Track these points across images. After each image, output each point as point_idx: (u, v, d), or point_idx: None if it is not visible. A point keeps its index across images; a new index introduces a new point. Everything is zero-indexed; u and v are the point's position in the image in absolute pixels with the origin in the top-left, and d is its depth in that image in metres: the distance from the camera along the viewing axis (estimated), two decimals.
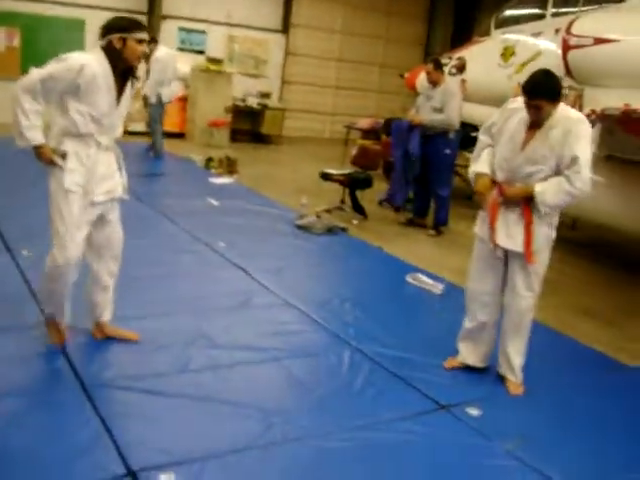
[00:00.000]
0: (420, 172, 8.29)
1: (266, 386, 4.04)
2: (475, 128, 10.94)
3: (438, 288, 6.05)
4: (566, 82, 8.35)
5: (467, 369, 4.49)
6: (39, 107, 3.72)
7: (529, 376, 4.40)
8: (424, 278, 6.23)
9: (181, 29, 15.09)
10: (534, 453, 3.59)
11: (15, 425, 3.30)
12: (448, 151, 8.18)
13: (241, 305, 5.23)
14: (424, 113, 8.16)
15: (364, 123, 14.16)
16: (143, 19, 14.27)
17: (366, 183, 8.75)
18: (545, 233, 4.13)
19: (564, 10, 8.95)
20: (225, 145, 13.67)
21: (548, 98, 3.86)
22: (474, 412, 3.93)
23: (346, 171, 8.99)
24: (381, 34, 17.54)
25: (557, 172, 3.95)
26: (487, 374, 4.48)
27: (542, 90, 3.86)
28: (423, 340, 4.94)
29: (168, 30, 14.79)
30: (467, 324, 4.47)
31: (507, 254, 4.21)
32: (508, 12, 10.39)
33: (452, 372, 4.44)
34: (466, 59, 10.61)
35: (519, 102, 4.07)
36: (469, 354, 4.49)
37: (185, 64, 14.18)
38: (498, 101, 9.46)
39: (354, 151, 10.56)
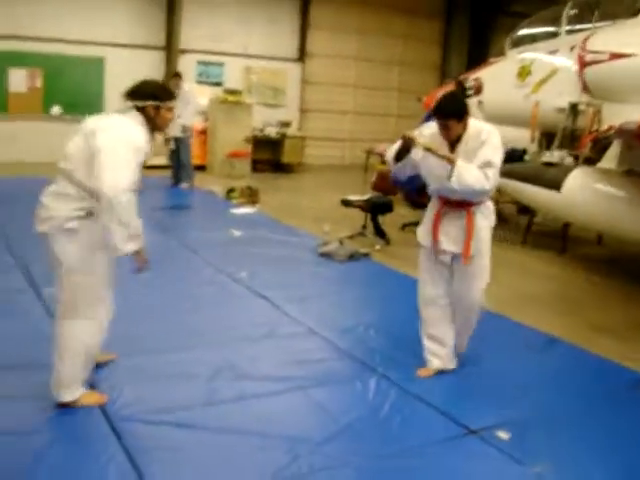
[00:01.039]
0: None
1: (292, 416, 4.02)
2: None
3: None
4: (584, 98, 8.37)
5: (489, 392, 4.44)
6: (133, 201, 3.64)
7: (554, 396, 4.35)
8: None
9: (199, 62, 15.28)
10: (565, 476, 3.53)
11: (42, 461, 3.32)
12: None
13: (266, 335, 5.23)
14: None
15: (383, 148, 14.17)
16: (162, 54, 14.53)
17: (386, 208, 8.75)
18: (486, 226, 4.56)
19: (578, 27, 8.96)
20: (246, 175, 13.75)
21: (456, 118, 4.32)
22: (504, 436, 3.87)
23: (366, 197, 9.00)
24: (397, 59, 17.64)
25: None
26: (514, 397, 4.42)
27: (451, 111, 4.33)
28: None
29: (186, 64, 14.97)
30: (430, 330, 4.73)
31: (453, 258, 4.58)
32: (523, 31, 10.41)
33: (480, 396, 4.39)
34: (482, 80, 10.63)
35: (432, 128, 4.52)
36: (440, 359, 4.71)
37: (204, 96, 14.35)
38: (516, 121, 9.54)
39: (374, 176, 10.57)
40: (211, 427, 3.78)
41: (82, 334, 3.83)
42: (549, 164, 8.27)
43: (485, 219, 4.55)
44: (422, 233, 4.71)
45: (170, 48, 14.76)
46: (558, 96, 8.83)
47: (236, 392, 4.20)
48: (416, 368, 4.70)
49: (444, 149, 4.39)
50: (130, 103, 3.87)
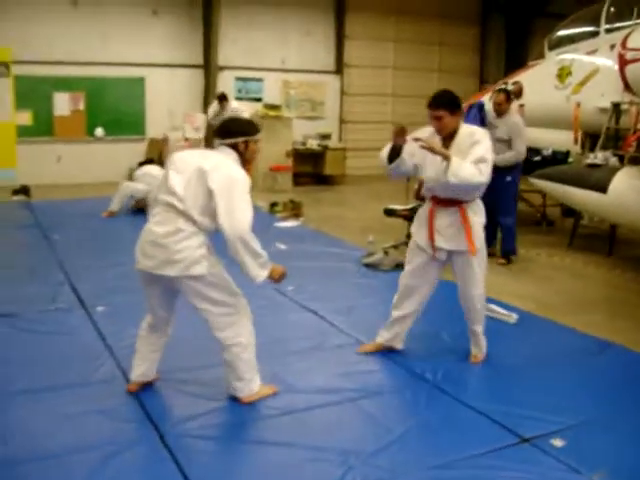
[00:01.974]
0: (483, 201, 8.21)
1: (343, 428, 4.01)
2: (536, 152, 10.86)
3: (512, 317, 5.96)
4: (626, 97, 8.26)
5: (542, 399, 4.39)
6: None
7: (609, 401, 4.28)
8: (497, 308, 6.12)
9: (237, 78, 15.41)
10: None
11: (98, 476, 3.37)
12: (509, 178, 8.02)
13: (314, 347, 5.24)
14: None
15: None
16: (200, 72, 14.69)
17: None
18: (478, 222, 4.76)
19: (618, 25, 8.86)
20: (288, 189, 13.80)
21: (447, 108, 4.52)
22: (558, 443, 3.81)
23: (409, 206, 8.96)
24: (434, 66, 17.57)
25: None
26: (568, 403, 4.36)
27: (442, 102, 4.55)
28: (501, 371, 4.87)
29: (225, 80, 15.12)
30: (396, 313, 5.01)
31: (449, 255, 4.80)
32: (561, 32, 10.32)
33: (532, 403, 4.32)
34: (522, 84, 10.55)
35: (426, 132, 4.70)
36: (393, 338, 5.06)
37: (244, 113, 14.47)
38: (558, 123, 9.44)
39: (416, 185, 10.53)
40: (263, 441, 3.81)
41: (244, 331, 4.16)
42: (594, 165, 8.17)
43: (476, 215, 4.75)
44: (415, 231, 4.96)
45: (208, 65, 14.91)
46: (600, 96, 8.74)
47: (287, 405, 4.22)
48: (465, 376, 4.68)
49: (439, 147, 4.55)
50: (221, 141, 4.10)
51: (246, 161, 4.14)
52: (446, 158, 4.41)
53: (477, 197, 4.76)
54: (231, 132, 4.11)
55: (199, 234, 3.97)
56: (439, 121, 4.55)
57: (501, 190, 8.02)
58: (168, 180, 4.01)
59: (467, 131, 4.62)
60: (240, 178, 3.96)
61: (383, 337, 5.10)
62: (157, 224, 4.01)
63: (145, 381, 4.34)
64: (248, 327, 4.21)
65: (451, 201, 4.66)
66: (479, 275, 4.83)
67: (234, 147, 4.07)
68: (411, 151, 4.70)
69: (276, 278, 4.13)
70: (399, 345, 5.11)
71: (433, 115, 4.56)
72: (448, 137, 4.61)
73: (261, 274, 3.99)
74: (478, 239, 4.74)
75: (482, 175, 4.42)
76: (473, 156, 4.43)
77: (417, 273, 4.91)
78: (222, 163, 4.00)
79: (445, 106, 4.53)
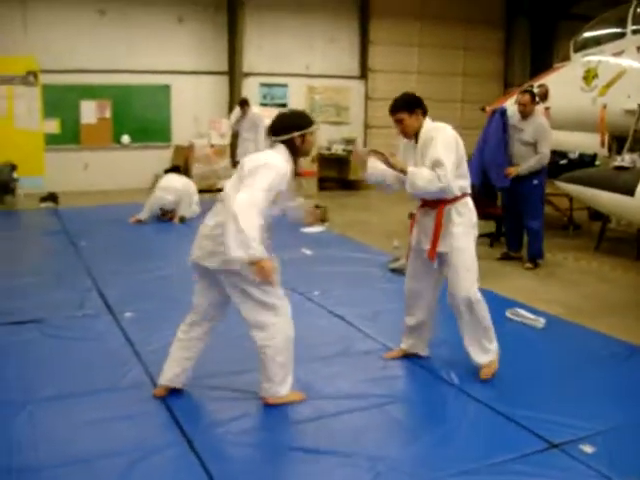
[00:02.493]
0: (510, 204, 8.19)
1: (371, 433, 3.99)
2: (563, 155, 10.78)
3: (540, 322, 5.92)
4: None
5: (571, 404, 4.35)
6: (262, 222, 3.85)
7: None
8: (524, 313, 6.09)
9: (262, 84, 15.47)
10: None
11: None
12: (536, 182, 7.97)
13: (341, 353, 5.24)
14: (512, 147, 8.03)
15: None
16: (225, 78, 14.76)
17: None
18: (460, 222, 4.61)
19: None
20: (314, 194, 13.81)
21: (404, 110, 4.57)
22: (588, 449, 3.77)
23: None
24: (459, 70, 17.52)
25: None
26: (597, 408, 4.32)
27: (399, 105, 4.60)
28: (528, 376, 4.83)
29: (250, 87, 15.19)
30: (408, 320, 4.99)
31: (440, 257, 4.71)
32: (587, 34, 10.23)
33: (561, 408, 4.29)
34: (548, 86, 10.48)
35: (405, 140, 4.75)
36: (415, 345, 5.04)
37: (269, 118, 14.50)
38: (584, 126, 9.37)
39: None
40: (291, 447, 3.81)
41: (280, 335, 4.14)
42: (621, 168, 8.08)
43: (460, 216, 4.63)
44: (412, 233, 4.91)
45: (233, 72, 14.98)
46: (626, 98, 8.65)
47: (314, 411, 4.22)
48: (493, 382, 4.65)
49: (412, 152, 4.64)
50: (276, 138, 4.13)
51: (303, 153, 4.22)
52: (402, 171, 4.50)
53: (464, 196, 4.67)
54: (285, 128, 4.13)
55: None
56: (401, 124, 4.61)
57: (528, 194, 7.99)
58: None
59: (428, 127, 4.63)
60: (270, 163, 3.95)
61: (406, 344, 5.08)
62: (210, 217, 4.13)
63: (173, 387, 4.35)
64: (286, 332, 4.18)
65: (435, 202, 4.61)
66: (463, 278, 4.63)
67: (289, 142, 4.10)
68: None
69: (260, 272, 3.86)
70: (423, 352, 5.08)
71: (394, 120, 4.63)
72: (416, 139, 4.66)
73: (237, 252, 3.72)
74: (458, 239, 4.61)
75: (441, 181, 4.38)
76: (429, 160, 4.45)
77: (417, 276, 4.87)
78: (262, 155, 4.08)
79: (402, 108, 4.58)
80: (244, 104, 12.17)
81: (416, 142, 4.64)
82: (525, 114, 7.93)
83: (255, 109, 12.43)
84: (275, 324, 4.12)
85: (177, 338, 4.35)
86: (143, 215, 10.29)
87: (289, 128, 4.12)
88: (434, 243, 4.62)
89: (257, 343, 4.15)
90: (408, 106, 4.59)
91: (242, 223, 3.70)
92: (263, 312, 4.10)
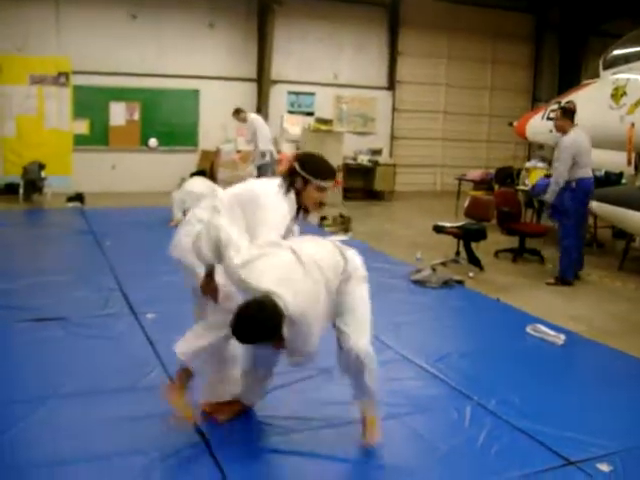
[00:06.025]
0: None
1: (387, 443, 3.98)
2: None
3: (560, 339, 5.89)
4: None
5: (589, 422, 4.33)
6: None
7: None
8: (545, 329, 6.06)
9: (290, 92, 15.55)
10: None
11: None
12: (568, 199, 7.86)
13: None
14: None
15: (475, 174, 14.16)
16: (253, 85, 14.84)
17: (480, 234, 8.68)
18: None
19: None
20: (338, 203, 13.81)
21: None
22: (605, 468, 3.75)
23: (459, 223, 8.95)
24: (486, 84, 17.53)
25: None
26: (616, 428, 4.30)
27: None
28: (546, 392, 4.82)
29: (277, 94, 15.29)
30: None
31: None
32: (616, 52, 10.19)
33: (580, 426, 4.27)
34: (576, 103, 10.44)
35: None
36: None
37: (296, 126, 14.61)
38: (612, 144, 9.33)
39: (466, 203, 10.51)
40: (305, 453, 3.83)
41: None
42: None
43: None
44: None
45: (261, 79, 15.07)
46: None
47: (330, 419, 4.22)
48: (513, 396, 4.64)
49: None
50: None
51: (301, 201, 4.00)
52: None
53: None
54: (300, 162, 4.02)
55: None
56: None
57: (562, 211, 7.92)
58: None
59: None
60: (274, 207, 3.86)
61: None
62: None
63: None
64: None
65: None
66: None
67: (293, 180, 3.96)
68: None
69: (204, 288, 3.85)
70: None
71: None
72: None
73: (172, 251, 4.08)
74: None
75: None
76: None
77: None
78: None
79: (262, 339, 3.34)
80: (238, 112, 12.11)
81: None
82: (558, 129, 7.97)
83: (252, 115, 12.43)
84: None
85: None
86: (176, 216, 10.25)
87: (301, 164, 3.99)
88: None
89: None
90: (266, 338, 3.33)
91: (209, 234, 3.59)
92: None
